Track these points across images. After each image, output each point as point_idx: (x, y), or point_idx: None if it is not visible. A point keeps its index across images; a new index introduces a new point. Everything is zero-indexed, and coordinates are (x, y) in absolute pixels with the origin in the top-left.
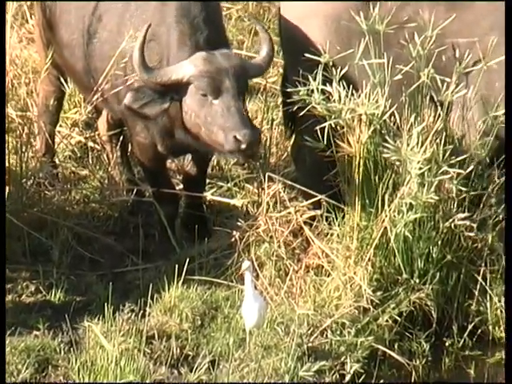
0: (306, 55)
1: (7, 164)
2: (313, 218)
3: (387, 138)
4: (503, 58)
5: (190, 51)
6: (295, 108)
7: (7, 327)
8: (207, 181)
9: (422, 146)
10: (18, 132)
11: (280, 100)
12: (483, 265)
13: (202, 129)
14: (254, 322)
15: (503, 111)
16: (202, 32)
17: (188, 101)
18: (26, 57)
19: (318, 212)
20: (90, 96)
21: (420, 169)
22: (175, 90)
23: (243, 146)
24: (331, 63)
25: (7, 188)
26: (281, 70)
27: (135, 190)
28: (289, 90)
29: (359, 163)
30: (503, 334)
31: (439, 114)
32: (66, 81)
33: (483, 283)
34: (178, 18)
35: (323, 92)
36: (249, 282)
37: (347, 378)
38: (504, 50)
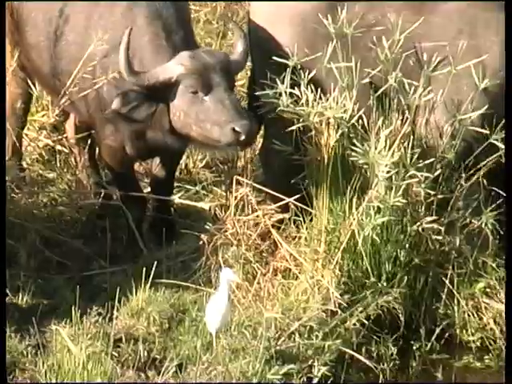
0: (274, 58)
1: None
2: (281, 222)
3: (355, 141)
4: (472, 62)
5: (167, 53)
6: (263, 111)
7: None
8: (175, 184)
9: (389, 149)
10: None
11: (246, 103)
12: (451, 268)
13: (193, 127)
14: (218, 325)
15: (470, 114)
16: (177, 33)
17: (176, 101)
18: None
19: (286, 215)
20: (58, 99)
21: (388, 172)
22: (161, 93)
23: (243, 138)
24: (299, 66)
25: None
26: (249, 73)
27: (103, 194)
28: (257, 93)
29: (327, 166)
30: (470, 338)
31: (407, 118)
32: (33, 83)
33: (450, 286)
34: (149, 20)
35: (291, 95)
36: (225, 288)
37: (315, 381)
38: (470, 53)
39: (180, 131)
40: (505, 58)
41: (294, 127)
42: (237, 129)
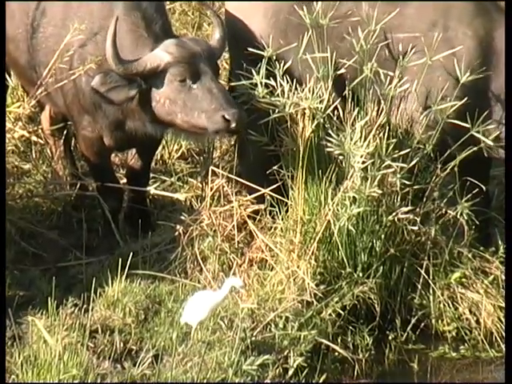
0: (249, 49)
1: None
2: (256, 212)
3: (330, 132)
4: (445, 53)
5: (147, 42)
6: (239, 102)
7: None
8: (151, 175)
9: (365, 140)
10: None
11: None
12: (426, 258)
13: (179, 115)
14: (203, 318)
15: (446, 105)
16: (157, 23)
17: (163, 89)
18: None
19: (262, 206)
20: (34, 90)
21: (363, 163)
22: (144, 79)
23: (233, 125)
24: (274, 57)
25: None
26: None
27: (79, 185)
28: (232, 83)
29: (303, 157)
30: (446, 328)
31: (382, 108)
32: (8, 74)
33: (426, 277)
34: (127, 11)
35: (267, 86)
36: (226, 289)
37: (290, 371)
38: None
39: (163, 119)
40: (505, 57)
41: (269, 118)
42: (227, 117)
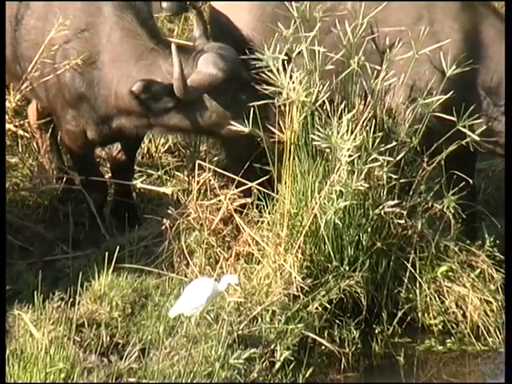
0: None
1: None
2: (243, 206)
3: (317, 125)
4: (432, 47)
5: (155, 49)
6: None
7: None
8: (137, 169)
9: (351, 133)
10: None
11: None
12: (413, 252)
13: (226, 126)
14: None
15: (432, 99)
16: (149, 22)
17: (211, 103)
18: None
19: (249, 200)
20: (19, 84)
21: (350, 156)
22: None
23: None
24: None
25: None
26: None
27: (65, 178)
28: None
29: (290, 150)
30: (432, 321)
31: (369, 102)
32: None
33: (412, 270)
34: (118, 12)
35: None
36: (223, 285)
37: (277, 365)
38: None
39: (205, 130)
40: (505, 57)
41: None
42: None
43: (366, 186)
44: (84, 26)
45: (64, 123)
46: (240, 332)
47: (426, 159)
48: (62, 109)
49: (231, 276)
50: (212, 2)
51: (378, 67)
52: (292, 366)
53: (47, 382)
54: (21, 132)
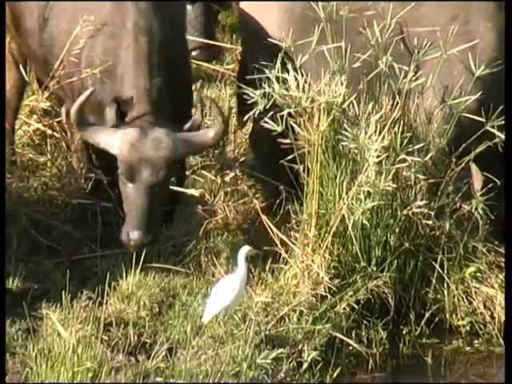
0: (264, 43)
1: None
2: (271, 206)
3: (345, 126)
4: (463, 46)
5: (142, 77)
6: (254, 96)
7: None
8: None
9: (379, 134)
10: None
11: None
12: (440, 252)
13: None
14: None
15: (461, 99)
16: (159, 54)
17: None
18: None
19: (276, 200)
20: (47, 81)
21: (378, 157)
22: None
23: (131, 244)
24: (289, 51)
25: None
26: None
27: (93, 178)
28: (247, 77)
29: (318, 151)
30: (460, 322)
31: (397, 102)
32: (24, 69)
33: (440, 271)
34: (136, 31)
35: (282, 81)
36: (242, 268)
37: (304, 365)
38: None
39: None
40: (505, 57)
41: (284, 112)
42: (129, 235)
43: (394, 186)
44: (108, 34)
45: None
46: (267, 332)
47: (454, 160)
48: (87, 112)
49: (245, 247)
50: (241, 3)
51: (407, 68)
52: (319, 366)
53: (75, 381)
54: (50, 131)
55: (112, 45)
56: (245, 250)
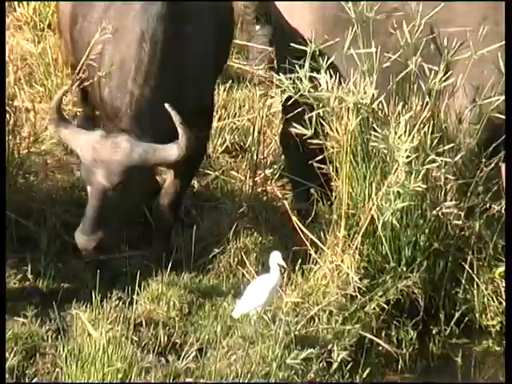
0: (292, 44)
1: None
2: (301, 207)
3: (375, 126)
4: (493, 46)
5: (132, 86)
6: (284, 96)
7: None
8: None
9: (409, 134)
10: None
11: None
12: (470, 253)
13: None
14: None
15: (491, 99)
16: (161, 64)
17: None
18: (13, 44)
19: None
20: (72, 82)
21: (407, 157)
22: None
23: (80, 247)
24: (318, 52)
25: None
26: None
27: None
28: (278, 77)
29: (347, 151)
30: (490, 322)
31: (427, 103)
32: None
33: (470, 271)
34: (140, 41)
35: (311, 80)
36: (276, 273)
37: (334, 365)
38: (495, 39)
39: None
40: (505, 57)
41: (314, 112)
42: (78, 238)
43: (424, 186)
44: (120, 41)
45: None
46: (297, 332)
47: (484, 160)
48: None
49: (276, 254)
50: (276, 3)
51: (437, 68)
52: (349, 366)
53: (105, 381)
54: None
55: (119, 50)
56: (276, 255)
